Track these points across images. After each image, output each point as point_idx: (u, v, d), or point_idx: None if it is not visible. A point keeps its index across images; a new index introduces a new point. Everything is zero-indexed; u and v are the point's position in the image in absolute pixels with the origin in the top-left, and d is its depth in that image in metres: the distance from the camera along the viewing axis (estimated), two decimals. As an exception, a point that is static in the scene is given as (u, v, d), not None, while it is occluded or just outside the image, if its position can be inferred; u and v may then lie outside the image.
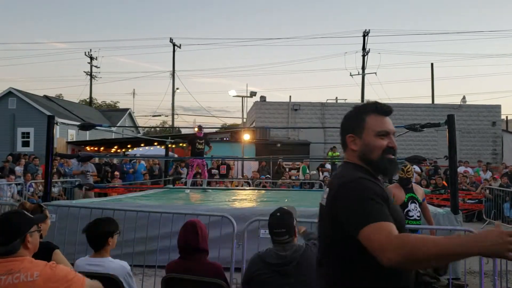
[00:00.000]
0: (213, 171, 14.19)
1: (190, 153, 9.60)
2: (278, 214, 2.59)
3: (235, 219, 4.75)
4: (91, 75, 35.34)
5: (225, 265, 3.13)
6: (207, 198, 8.31)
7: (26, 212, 2.28)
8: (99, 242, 2.82)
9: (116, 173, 13.15)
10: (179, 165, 14.77)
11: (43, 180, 7.94)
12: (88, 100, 37.08)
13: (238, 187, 13.04)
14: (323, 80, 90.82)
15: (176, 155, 17.98)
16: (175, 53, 31.44)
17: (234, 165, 15.65)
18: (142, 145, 19.69)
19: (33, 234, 2.14)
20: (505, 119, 25.35)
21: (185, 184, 12.83)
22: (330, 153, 16.50)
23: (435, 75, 27.84)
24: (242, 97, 24.23)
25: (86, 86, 36.81)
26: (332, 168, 15.28)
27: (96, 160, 13.42)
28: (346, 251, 1.56)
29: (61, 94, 43.16)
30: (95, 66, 35.41)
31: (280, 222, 2.55)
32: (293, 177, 14.76)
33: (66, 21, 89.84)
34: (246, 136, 16.59)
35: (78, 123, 8.64)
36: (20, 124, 22.04)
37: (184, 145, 14.61)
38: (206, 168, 10.12)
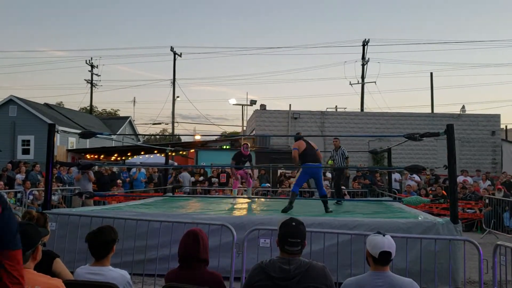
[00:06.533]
0: (213, 179, 14.19)
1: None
2: (294, 223, 2.50)
3: (235, 228, 4.75)
4: (91, 83, 35.46)
5: (224, 274, 3.13)
6: (207, 207, 8.30)
7: (34, 225, 2.32)
8: (102, 250, 2.82)
9: (119, 181, 13.17)
10: (179, 173, 14.76)
11: (43, 188, 7.95)
12: (88, 108, 37.17)
13: (238, 196, 13.01)
14: (323, 89, 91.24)
15: (176, 163, 18.00)
16: (176, 61, 31.62)
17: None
18: (142, 153, 19.72)
19: (39, 246, 2.19)
20: (505, 128, 25.39)
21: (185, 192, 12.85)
22: (330, 162, 16.47)
23: (434, 85, 28.02)
24: (242, 105, 24.26)
25: (86, 94, 36.94)
26: (332, 177, 15.27)
27: (96, 168, 13.43)
28: None
29: (61, 102, 43.26)
30: (96, 74, 35.55)
31: (296, 231, 2.47)
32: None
33: (67, 29, 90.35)
34: (246, 145, 16.60)
35: (78, 131, 8.66)
36: (20, 132, 22.07)
37: (184, 153, 14.67)
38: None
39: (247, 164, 9.46)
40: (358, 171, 14.51)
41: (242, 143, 9.95)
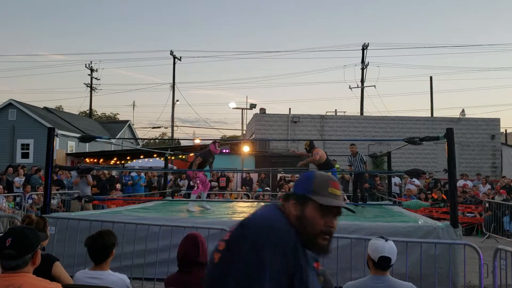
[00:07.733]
0: (212, 183, 14.18)
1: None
2: None
3: (235, 232, 4.74)
4: (91, 87, 35.47)
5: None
6: (206, 211, 8.29)
7: (34, 229, 2.32)
8: (102, 255, 2.82)
9: (118, 185, 13.16)
10: (179, 177, 14.74)
11: (42, 192, 7.93)
12: (88, 112, 37.17)
13: (237, 199, 13.00)
14: (323, 92, 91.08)
15: (175, 167, 17.97)
16: (175, 65, 31.65)
17: (233, 177, 15.64)
18: (141, 157, 19.70)
19: (38, 250, 2.18)
20: (504, 132, 25.41)
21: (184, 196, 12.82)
22: (337, 166, 16.45)
23: (434, 88, 28.01)
24: (242, 109, 24.31)
25: (86, 98, 36.89)
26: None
27: (95, 172, 13.41)
28: None
29: (61, 105, 43.29)
30: (95, 78, 35.56)
31: None
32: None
33: (66, 33, 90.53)
34: (246, 148, 16.61)
35: (78, 135, 8.65)
36: (20, 136, 22.06)
37: (184, 157, 14.64)
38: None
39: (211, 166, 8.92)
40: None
41: (214, 141, 8.81)
